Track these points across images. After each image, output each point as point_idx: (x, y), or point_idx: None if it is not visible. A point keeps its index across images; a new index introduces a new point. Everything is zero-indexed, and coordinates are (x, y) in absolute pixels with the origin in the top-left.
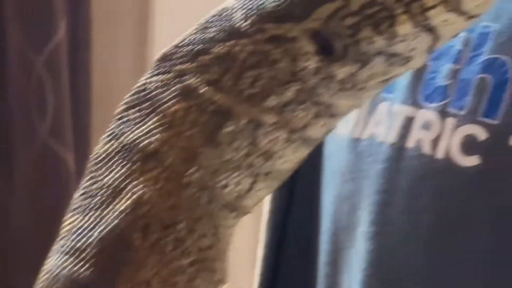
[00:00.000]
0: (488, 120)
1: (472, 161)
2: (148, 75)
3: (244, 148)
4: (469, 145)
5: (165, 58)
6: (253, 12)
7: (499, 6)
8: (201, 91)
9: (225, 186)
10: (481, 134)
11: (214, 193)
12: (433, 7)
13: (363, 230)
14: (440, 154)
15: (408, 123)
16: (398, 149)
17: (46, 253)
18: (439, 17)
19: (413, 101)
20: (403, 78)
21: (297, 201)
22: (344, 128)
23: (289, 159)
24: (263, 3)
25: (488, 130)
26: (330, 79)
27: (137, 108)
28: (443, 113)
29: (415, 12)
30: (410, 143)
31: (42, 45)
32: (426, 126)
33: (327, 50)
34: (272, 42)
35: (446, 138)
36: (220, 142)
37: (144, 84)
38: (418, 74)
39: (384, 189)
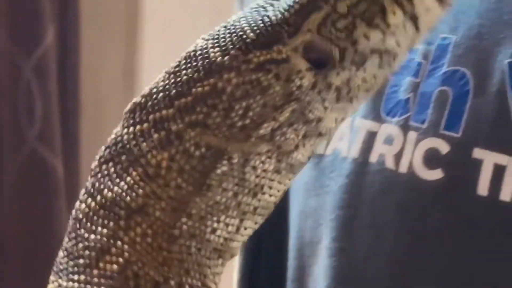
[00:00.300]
0: (450, 133)
1: (435, 174)
2: (120, 128)
3: (233, 187)
4: (432, 159)
5: (136, 108)
6: (232, 45)
7: (456, 17)
8: (186, 136)
9: (214, 230)
10: (443, 147)
11: (203, 240)
12: None
13: (326, 246)
14: (403, 168)
15: (371, 137)
16: (361, 164)
17: (34, 260)
18: (422, 3)
19: (375, 115)
20: None
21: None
22: None
23: (276, 191)
24: (240, 34)
25: (450, 143)
26: (327, 90)
27: (114, 162)
28: (405, 127)
29: (401, 1)
30: (373, 158)
31: (31, 50)
32: (389, 141)
33: (321, 61)
34: (260, 70)
35: (409, 152)
36: (210, 186)
37: (118, 137)
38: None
39: (347, 205)
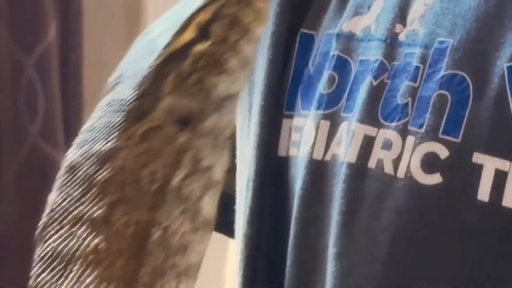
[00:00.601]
0: (449, 138)
1: (434, 179)
2: (40, 247)
3: (163, 251)
4: (431, 163)
5: (46, 225)
6: (111, 131)
7: (453, 20)
8: (112, 219)
9: None
10: (442, 152)
11: None
12: (239, 39)
13: (327, 252)
14: (401, 173)
15: (368, 142)
16: (359, 169)
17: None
18: (250, 45)
19: (372, 119)
20: (361, 96)
21: (267, 226)
22: (302, 149)
23: (198, 250)
24: (113, 121)
25: (449, 148)
26: (203, 137)
27: (48, 270)
28: (404, 132)
29: (231, 47)
30: (372, 163)
31: (33, 46)
32: (387, 146)
33: (188, 116)
34: (145, 139)
35: (407, 156)
36: (150, 254)
37: (42, 252)
38: (377, 92)
39: (345, 210)
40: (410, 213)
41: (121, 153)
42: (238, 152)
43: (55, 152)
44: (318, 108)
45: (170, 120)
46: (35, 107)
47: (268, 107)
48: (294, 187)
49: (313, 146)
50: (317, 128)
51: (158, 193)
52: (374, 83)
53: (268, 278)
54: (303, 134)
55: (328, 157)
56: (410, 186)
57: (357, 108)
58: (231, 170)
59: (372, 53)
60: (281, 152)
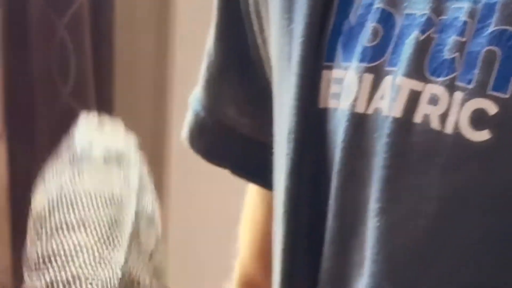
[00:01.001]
0: (499, 94)
1: (482, 135)
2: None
3: (136, 247)
4: (479, 120)
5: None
6: None
7: None
8: None
9: (138, 282)
10: (491, 108)
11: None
12: None
13: (370, 207)
14: (449, 129)
15: (415, 97)
16: (405, 123)
17: None
18: None
19: (419, 74)
20: (407, 50)
21: (308, 179)
22: (344, 101)
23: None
24: None
25: (498, 104)
26: None
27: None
28: (451, 87)
29: None
30: (418, 118)
31: (65, 7)
32: (434, 101)
33: None
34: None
35: (455, 112)
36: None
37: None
38: (423, 47)
39: (390, 164)
40: (458, 169)
41: None
42: (276, 103)
43: (87, 112)
44: (361, 60)
45: None
46: (67, 68)
47: (308, 58)
48: (335, 140)
49: (355, 99)
50: (360, 81)
51: None
52: (421, 38)
53: (310, 231)
54: (343, 86)
55: (370, 111)
56: (459, 142)
57: (402, 63)
58: (262, 119)
59: (419, 8)
60: (322, 104)
